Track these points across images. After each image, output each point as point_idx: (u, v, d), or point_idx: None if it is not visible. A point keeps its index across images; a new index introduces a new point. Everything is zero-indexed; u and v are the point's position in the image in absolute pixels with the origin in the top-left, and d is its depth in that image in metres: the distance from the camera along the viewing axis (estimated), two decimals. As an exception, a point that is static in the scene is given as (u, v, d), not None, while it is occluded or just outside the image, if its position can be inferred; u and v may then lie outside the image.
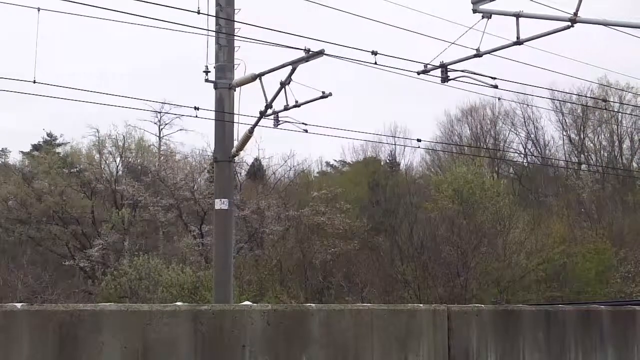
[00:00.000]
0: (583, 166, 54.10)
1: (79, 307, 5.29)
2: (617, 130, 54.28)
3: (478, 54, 16.26)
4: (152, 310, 5.55)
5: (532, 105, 53.36)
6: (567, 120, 55.73)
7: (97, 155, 45.54)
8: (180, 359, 5.60)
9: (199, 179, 41.63)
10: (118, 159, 45.61)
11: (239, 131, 17.06)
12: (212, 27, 16.65)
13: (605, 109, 43.80)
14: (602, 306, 9.07)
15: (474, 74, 16.57)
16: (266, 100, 16.76)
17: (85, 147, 48.78)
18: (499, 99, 43.22)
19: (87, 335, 5.22)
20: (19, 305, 5.10)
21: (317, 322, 6.35)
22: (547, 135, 57.19)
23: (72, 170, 42.01)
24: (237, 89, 16.86)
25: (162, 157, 47.78)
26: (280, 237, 37.22)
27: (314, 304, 6.49)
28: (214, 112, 16.94)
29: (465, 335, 7.33)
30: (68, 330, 5.16)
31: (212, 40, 16.86)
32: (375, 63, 15.90)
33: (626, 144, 55.23)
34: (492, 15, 15.59)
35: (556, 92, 43.05)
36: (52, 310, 5.17)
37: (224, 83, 16.71)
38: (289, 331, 6.16)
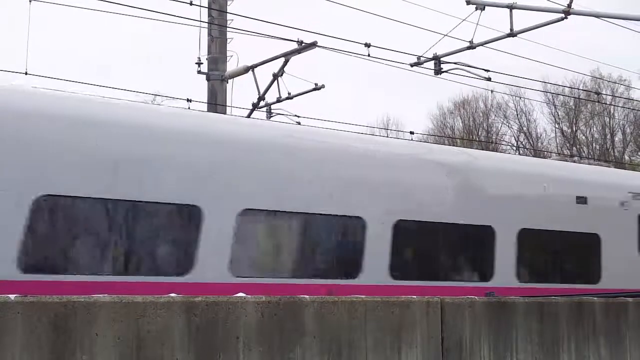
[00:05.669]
0: (575, 159, 54.12)
1: (73, 298, 5.27)
2: (610, 123, 54.37)
3: (471, 46, 16.28)
4: (145, 302, 5.54)
5: (524, 98, 53.36)
6: (559, 113, 55.80)
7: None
8: (174, 350, 5.60)
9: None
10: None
11: (232, 123, 17.04)
12: (205, 18, 16.63)
13: (598, 101, 43.83)
14: (595, 298, 9.09)
15: (467, 66, 16.60)
16: (259, 92, 16.76)
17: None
18: (492, 91, 43.02)
19: (80, 327, 5.21)
20: (12, 296, 5.09)
21: (310, 313, 6.34)
22: (540, 127, 57.11)
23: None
24: (230, 80, 16.85)
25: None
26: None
27: (307, 296, 6.48)
28: (206, 104, 16.93)
29: (459, 327, 7.35)
30: (62, 321, 5.15)
31: (205, 31, 16.85)
32: (369, 55, 15.91)
33: (618, 136, 55.35)
34: (486, 7, 15.61)
35: (549, 84, 43.00)
36: (45, 302, 5.16)
37: (217, 75, 16.69)
38: (282, 322, 6.16)
